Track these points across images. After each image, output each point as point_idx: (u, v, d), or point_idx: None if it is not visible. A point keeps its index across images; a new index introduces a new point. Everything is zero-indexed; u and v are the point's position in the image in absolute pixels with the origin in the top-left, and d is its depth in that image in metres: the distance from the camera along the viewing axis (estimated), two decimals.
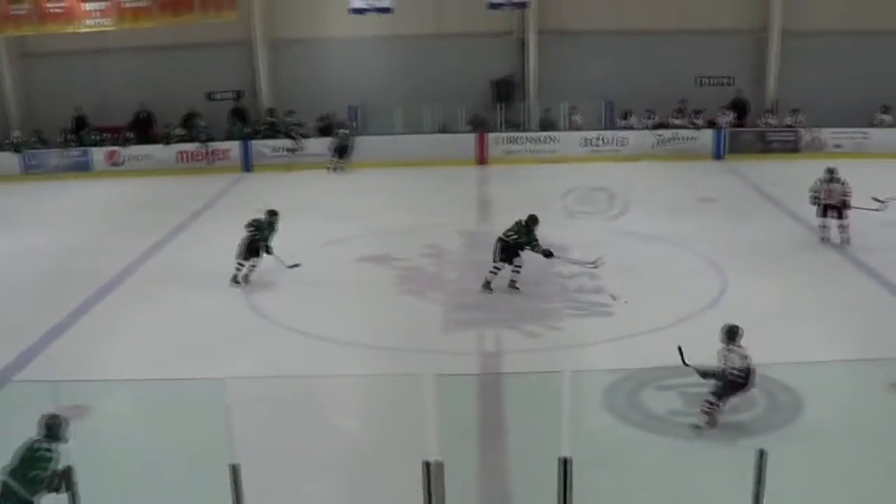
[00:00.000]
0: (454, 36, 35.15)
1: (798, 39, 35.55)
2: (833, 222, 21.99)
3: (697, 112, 34.71)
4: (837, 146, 33.96)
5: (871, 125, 34.49)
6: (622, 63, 35.36)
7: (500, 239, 19.29)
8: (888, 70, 34.73)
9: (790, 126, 34.64)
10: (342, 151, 33.31)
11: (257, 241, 19.94)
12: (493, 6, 32.96)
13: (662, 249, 22.12)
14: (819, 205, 22.15)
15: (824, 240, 22.02)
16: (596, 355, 16.10)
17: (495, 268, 19.24)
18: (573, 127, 34.68)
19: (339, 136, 33.46)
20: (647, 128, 34.45)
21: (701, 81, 36.24)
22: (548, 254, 19.30)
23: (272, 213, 20.32)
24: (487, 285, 19.26)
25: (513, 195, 28.13)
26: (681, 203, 26.59)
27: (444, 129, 34.65)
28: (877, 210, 21.93)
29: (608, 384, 14.11)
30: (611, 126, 34.95)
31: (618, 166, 32.51)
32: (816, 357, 13.31)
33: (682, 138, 34.24)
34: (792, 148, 34.30)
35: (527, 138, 34.44)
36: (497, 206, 27.44)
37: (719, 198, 27.71)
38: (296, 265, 20.34)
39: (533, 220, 19.38)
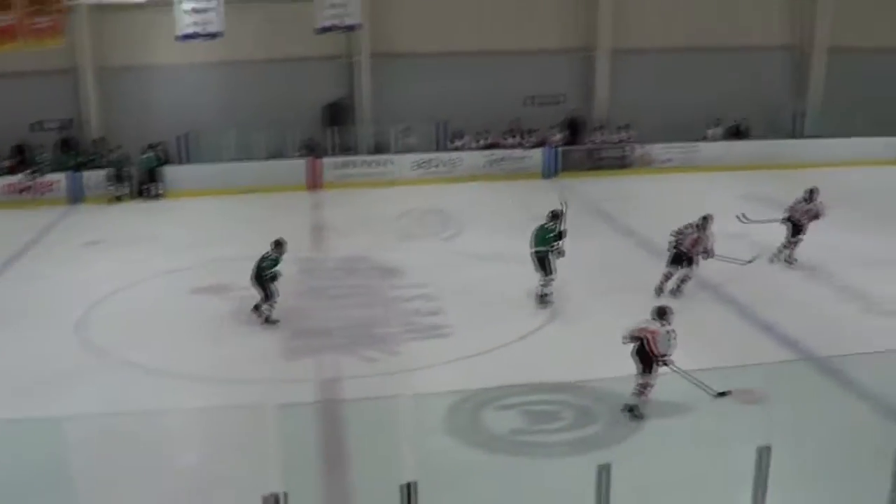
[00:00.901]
0: (285, 61, 34.98)
1: (626, 57, 36.57)
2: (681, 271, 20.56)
3: (529, 131, 35.21)
4: (668, 160, 34.89)
5: (703, 139, 35.52)
6: (454, 84, 35.62)
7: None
8: (715, 85, 36.00)
9: (621, 142, 35.37)
10: (118, 178, 32.68)
11: (268, 276, 19.03)
12: (323, 30, 32.86)
13: (498, 269, 22.29)
14: (675, 251, 20.44)
15: (660, 290, 20.33)
16: (436, 378, 16.08)
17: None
18: (406, 149, 34.79)
19: (113, 162, 32.94)
20: (479, 148, 34.77)
21: (532, 101, 36.77)
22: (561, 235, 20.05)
23: (278, 244, 19.41)
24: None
25: (347, 219, 28.16)
26: (515, 222, 26.70)
27: (276, 155, 34.45)
28: (747, 262, 20.78)
29: (449, 406, 14.18)
30: (444, 147, 35.22)
31: (451, 187, 32.75)
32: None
33: (515, 158, 34.65)
34: (623, 164, 35.01)
35: (360, 162, 34.44)
36: (332, 231, 27.36)
37: None
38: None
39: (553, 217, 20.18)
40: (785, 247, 22.65)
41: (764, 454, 9.78)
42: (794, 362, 16.34)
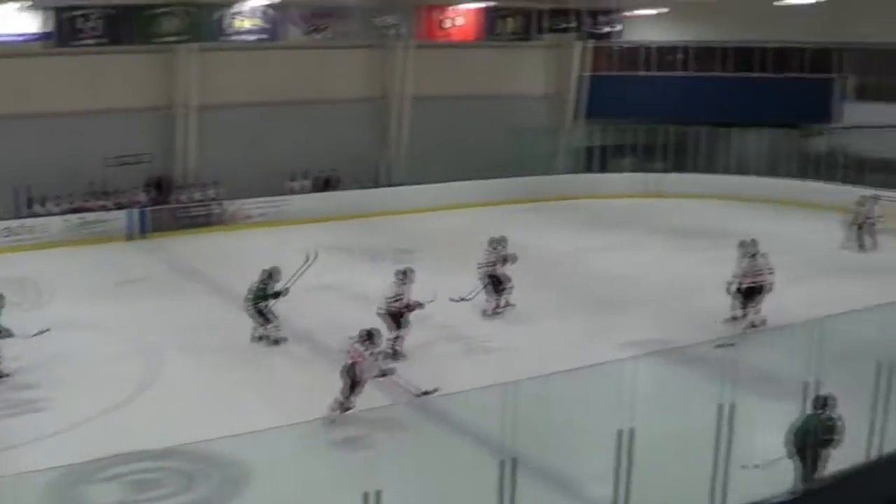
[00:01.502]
0: None
1: (212, 113, 36.57)
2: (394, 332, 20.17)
3: (114, 193, 34.57)
4: (257, 215, 35.21)
5: (291, 192, 36.23)
6: (33, 148, 34.22)
7: None
8: (304, 138, 37.21)
9: (210, 200, 35.40)
10: None
11: None
12: None
13: (89, 337, 21.67)
14: (392, 313, 20.17)
15: (397, 355, 19.84)
16: (34, 455, 15.33)
17: None
18: None
19: None
20: (62, 213, 33.77)
21: (117, 161, 35.98)
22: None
23: None
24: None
25: None
26: (103, 288, 26.23)
27: None
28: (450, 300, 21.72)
29: (46, 484, 13.68)
30: (24, 214, 33.89)
31: (34, 255, 31.31)
32: (258, 426, 13.66)
33: (100, 221, 33.84)
34: (212, 221, 34.97)
35: None
36: None
37: (142, 278, 27.62)
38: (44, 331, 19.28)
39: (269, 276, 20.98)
40: (497, 299, 23.43)
41: (372, 500, 10.03)
42: (397, 405, 16.79)
